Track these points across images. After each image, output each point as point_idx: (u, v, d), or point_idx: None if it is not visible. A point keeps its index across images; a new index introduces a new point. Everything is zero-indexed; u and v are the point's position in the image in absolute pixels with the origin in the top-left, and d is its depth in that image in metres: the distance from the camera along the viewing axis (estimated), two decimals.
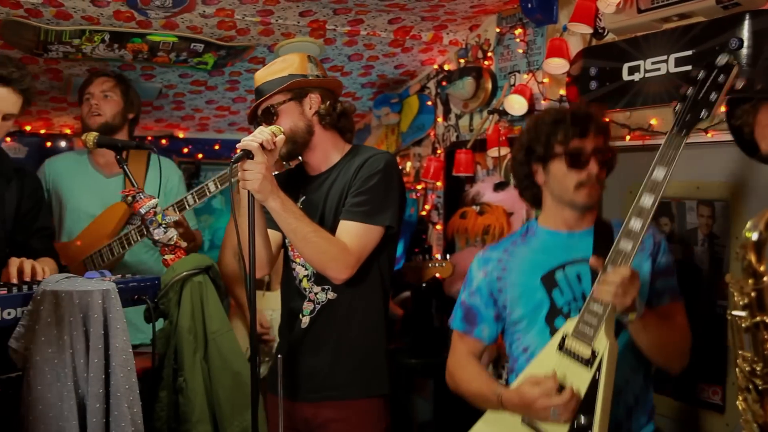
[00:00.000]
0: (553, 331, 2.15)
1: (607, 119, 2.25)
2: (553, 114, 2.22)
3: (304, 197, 2.44)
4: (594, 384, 1.95)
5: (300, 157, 2.49)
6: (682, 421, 2.51)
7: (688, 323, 2.16)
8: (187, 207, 3.10)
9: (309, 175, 2.50)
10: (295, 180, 2.49)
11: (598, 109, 2.25)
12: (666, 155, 1.90)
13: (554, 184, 2.21)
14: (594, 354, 1.96)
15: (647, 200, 1.91)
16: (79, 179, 3.35)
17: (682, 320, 2.16)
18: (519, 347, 2.23)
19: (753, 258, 1.51)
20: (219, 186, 3.07)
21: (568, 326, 2.04)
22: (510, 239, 2.35)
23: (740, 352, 1.58)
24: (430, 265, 3.27)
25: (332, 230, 2.32)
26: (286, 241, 2.49)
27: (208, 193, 3.08)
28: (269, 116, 2.37)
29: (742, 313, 1.55)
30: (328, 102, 2.43)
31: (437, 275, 3.32)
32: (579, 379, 1.98)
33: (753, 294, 1.52)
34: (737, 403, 1.65)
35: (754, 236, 1.50)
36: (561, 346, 2.04)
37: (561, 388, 1.99)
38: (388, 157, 2.41)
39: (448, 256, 3.23)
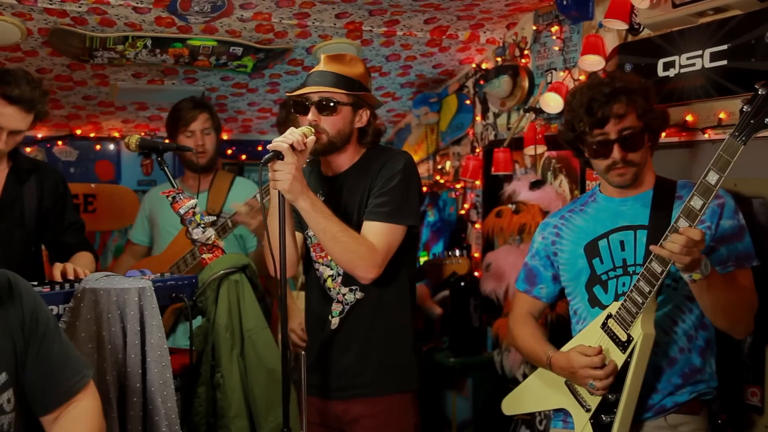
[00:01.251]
0: (591, 297, 2.30)
1: (638, 88, 2.20)
2: (579, 96, 2.25)
3: (323, 198, 2.45)
4: (625, 366, 2.11)
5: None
6: (720, 422, 2.46)
7: (755, 289, 2.15)
8: (228, 231, 3.27)
9: (326, 175, 2.52)
10: (310, 179, 2.50)
11: (628, 82, 2.21)
12: (720, 160, 1.89)
13: (591, 162, 2.32)
14: (629, 339, 2.10)
15: (697, 202, 1.93)
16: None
17: (749, 285, 2.16)
18: (571, 309, 2.41)
19: None
20: (233, 225, 3.27)
21: (612, 307, 2.18)
22: (570, 206, 2.48)
23: None
24: (447, 262, 3.32)
25: (355, 230, 2.34)
26: (308, 242, 2.53)
27: (227, 230, 3.28)
28: (325, 107, 2.36)
29: None
30: (373, 126, 2.48)
31: (455, 272, 3.37)
32: (614, 358, 2.14)
33: None
34: None
35: None
36: (604, 325, 2.18)
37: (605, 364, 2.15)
38: (407, 156, 2.45)
39: (484, 256, 3.25)
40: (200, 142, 3.49)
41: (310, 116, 2.36)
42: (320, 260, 2.50)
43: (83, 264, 2.72)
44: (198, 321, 2.69)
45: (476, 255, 3.94)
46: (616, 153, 2.18)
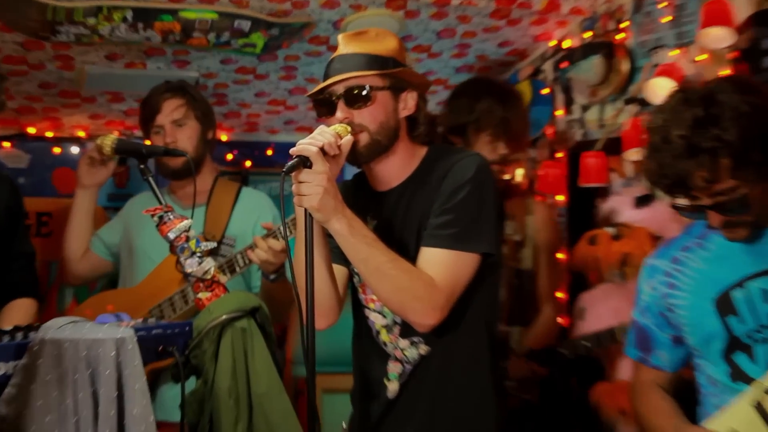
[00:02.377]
0: (734, 369, 2.22)
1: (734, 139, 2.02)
2: (649, 149, 2.18)
3: (375, 222, 2.42)
4: None
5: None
6: None
7: None
8: (238, 270, 3.18)
9: (376, 191, 2.48)
10: (357, 198, 2.47)
11: (718, 133, 2.02)
12: None
13: None
14: None
15: None
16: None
17: None
18: (702, 376, 2.35)
19: None
20: (247, 262, 3.15)
21: None
22: (683, 241, 2.42)
23: None
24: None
25: (414, 261, 2.29)
26: (354, 280, 2.49)
27: (237, 269, 3.18)
28: (356, 98, 2.32)
29: None
30: (423, 112, 2.44)
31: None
32: None
33: None
34: None
35: None
36: (758, 405, 2.09)
37: None
38: (479, 160, 2.37)
39: (574, 298, 3.17)
40: (169, 140, 3.36)
41: (338, 114, 2.33)
42: (371, 305, 2.46)
43: (17, 320, 2.72)
44: (191, 383, 2.63)
45: (560, 296, 3.84)
46: (714, 220, 2.16)
